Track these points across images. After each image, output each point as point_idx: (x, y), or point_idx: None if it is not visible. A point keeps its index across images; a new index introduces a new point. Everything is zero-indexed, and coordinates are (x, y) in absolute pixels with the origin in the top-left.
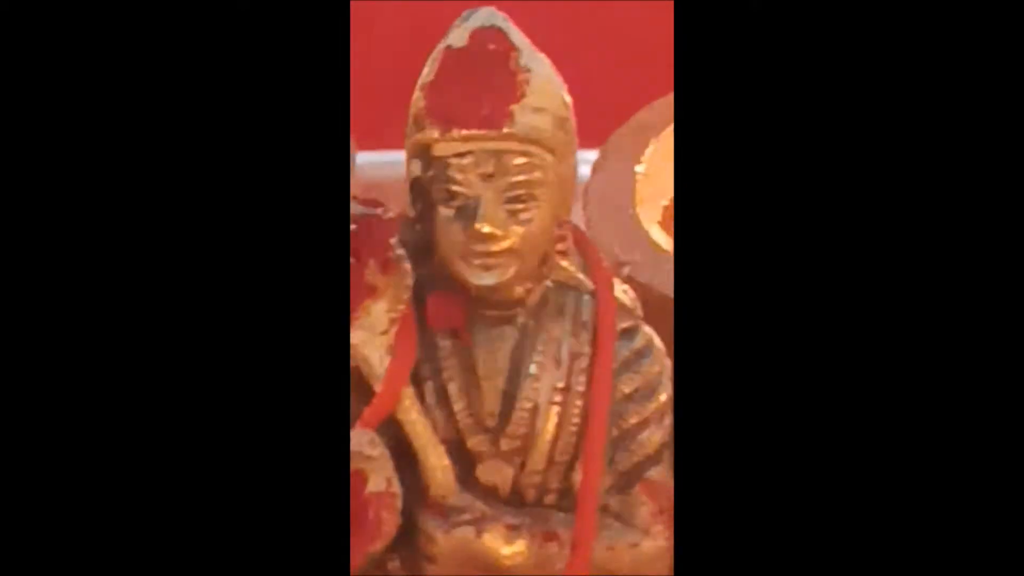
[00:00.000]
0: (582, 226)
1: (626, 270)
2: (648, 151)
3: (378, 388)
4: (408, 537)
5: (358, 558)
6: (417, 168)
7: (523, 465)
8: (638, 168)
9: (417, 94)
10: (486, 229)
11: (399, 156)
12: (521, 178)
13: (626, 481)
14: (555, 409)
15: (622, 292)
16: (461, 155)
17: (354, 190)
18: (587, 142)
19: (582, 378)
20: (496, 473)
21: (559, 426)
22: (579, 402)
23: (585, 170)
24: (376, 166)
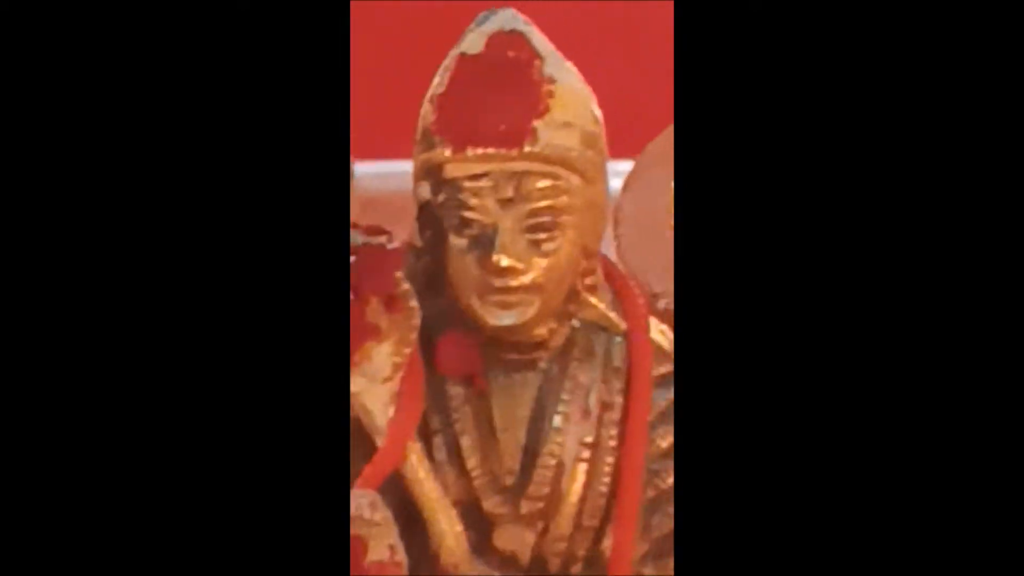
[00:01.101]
0: (612, 251)
1: (663, 303)
2: None
3: (381, 443)
4: None
5: None
6: (426, 191)
7: (546, 530)
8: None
9: (426, 107)
10: (504, 262)
11: (403, 167)
12: (544, 203)
13: (664, 548)
14: (582, 467)
15: (659, 333)
16: (476, 177)
17: (353, 208)
18: (620, 152)
19: (613, 431)
20: (515, 539)
21: (587, 486)
22: (610, 459)
23: (616, 184)
24: (377, 178)
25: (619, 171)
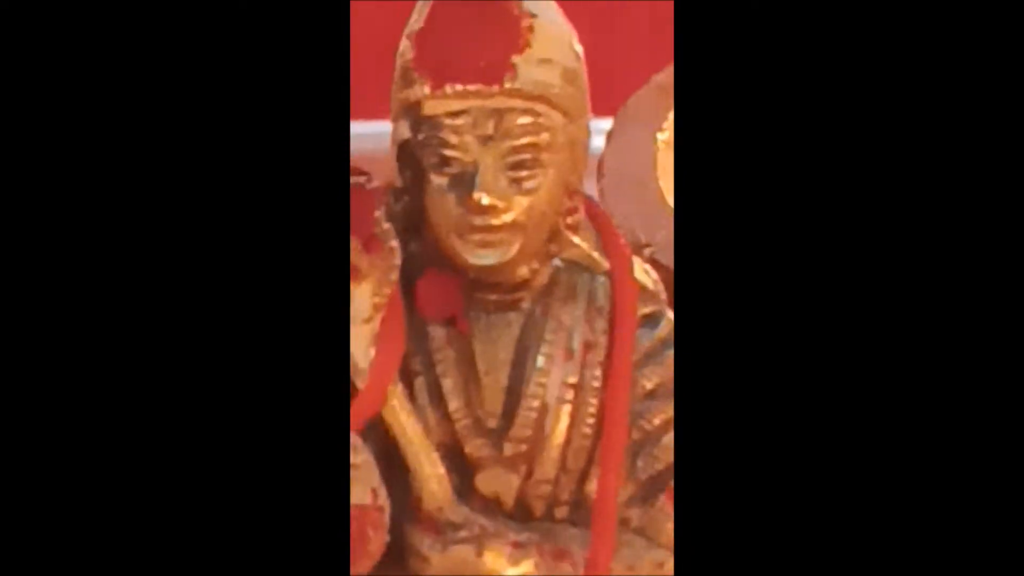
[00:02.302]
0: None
1: (648, 251)
2: (671, 116)
3: (361, 385)
4: (397, 557)
5: None
6: (405, 130)
7: (529, 473)
8: (660, 136)
9: (404, 43)
10: (485, 200)
11: (382, 126)
12: (525, 141)
13: (649, 491)
14: (566, 408)
15: (643, 272)
16: (455, 114)
17: None
18: (600, 109)
19: (597, 372)
20: (498, 482)
21: (571, 428)
22: (594, 400)
23: (599, 141)
24: (365, 137)
25: (600, 128)
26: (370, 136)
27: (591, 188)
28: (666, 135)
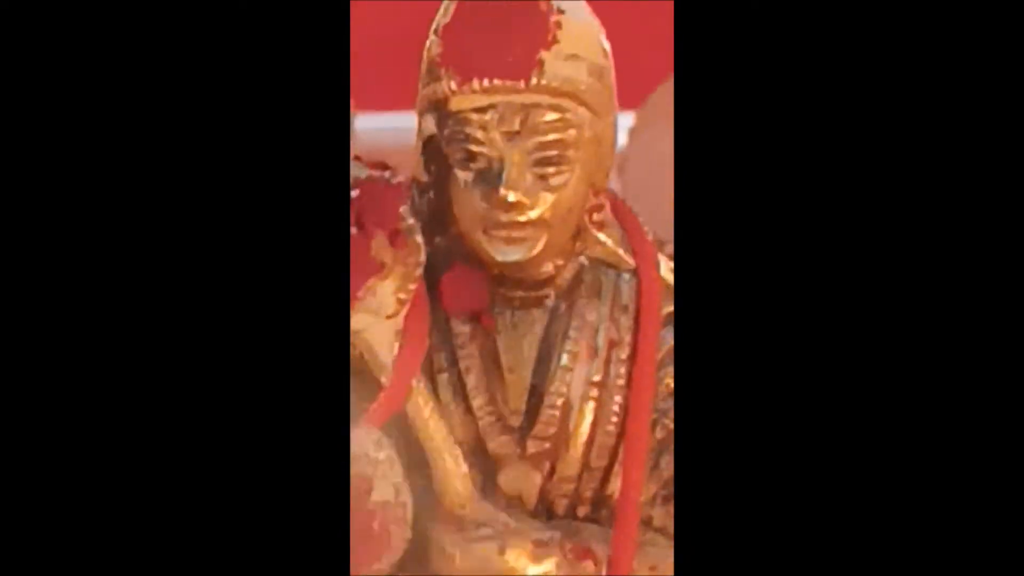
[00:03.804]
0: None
1: (669, 247)
2: None
3: (385, 381)
4: (420, 554)
5: None
6: (431, 125)
7: (552, 471)
8: None
9: (432, 39)
10: (511, 196)
11: (408, 119)
12: (552, 137)
13: (672, 490)
14: (590, 406)
15: (668, 271)
16: (482, 110)
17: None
18: (623, 103)
19: (622, 370)
20: (521, 480)
21: (595, 425)
22: (618, 398)
23: (621, 136)
24: (380, 131)
25: (623, 124)
26: (381, 130)
27: (614, 183)
28: None
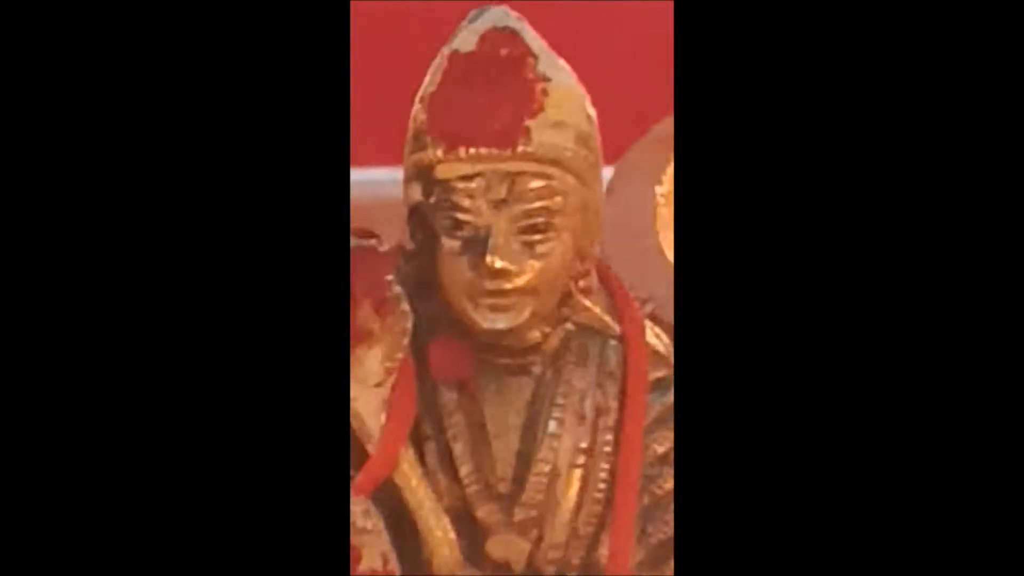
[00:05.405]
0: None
1: (649, 307)
2: (670, 169)
3: (372, 450)
4: None
5: None
6: (417, 192)
7: (540, 538)
8: (658, 188)
9: (417, 107)
10: (498, 264)
11: (394, 174)
12: (538, 204)
13: (660, 556)
14: (578, 473)
15: (655, 337)
16: (468, 177)
17: None
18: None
19: (609, 437)
20: (509, 547)
21: (582, 492)
22: (605, 465)
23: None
24: (367, 185)
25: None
26: (368, 184)
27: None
28: (665, 188)
